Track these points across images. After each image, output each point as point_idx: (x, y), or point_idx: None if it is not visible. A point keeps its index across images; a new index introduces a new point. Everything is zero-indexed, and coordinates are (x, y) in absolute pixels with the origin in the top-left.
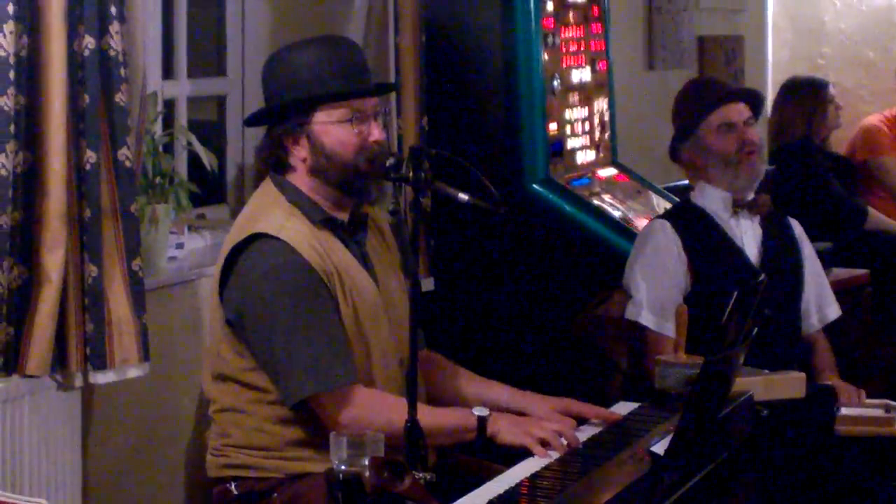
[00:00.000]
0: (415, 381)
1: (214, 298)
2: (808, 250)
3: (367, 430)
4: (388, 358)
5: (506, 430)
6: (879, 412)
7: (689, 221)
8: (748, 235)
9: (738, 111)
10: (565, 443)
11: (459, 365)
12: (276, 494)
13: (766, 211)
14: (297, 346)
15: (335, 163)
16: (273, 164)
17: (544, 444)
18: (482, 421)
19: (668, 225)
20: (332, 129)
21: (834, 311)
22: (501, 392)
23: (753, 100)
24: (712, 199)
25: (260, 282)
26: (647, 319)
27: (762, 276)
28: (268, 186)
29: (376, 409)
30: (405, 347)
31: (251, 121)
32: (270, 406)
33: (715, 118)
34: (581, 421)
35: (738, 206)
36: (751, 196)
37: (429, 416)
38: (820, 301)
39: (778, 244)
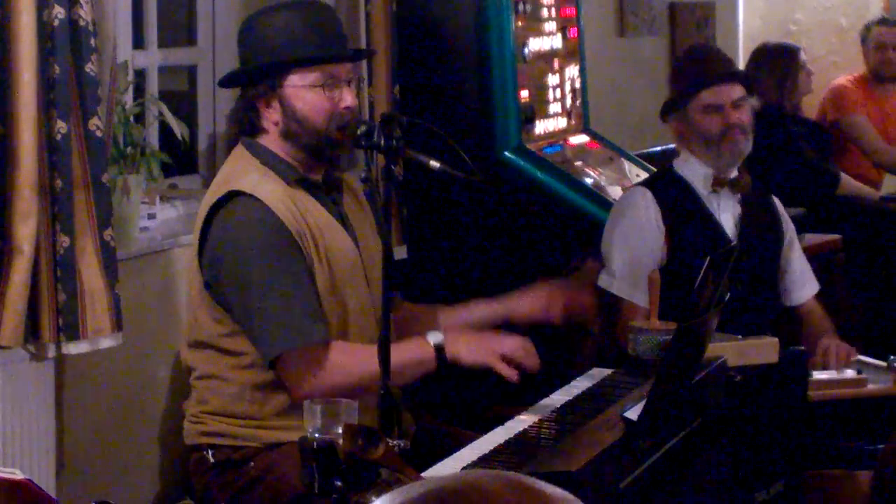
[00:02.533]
0: (388, 346)
1: (193, 263)
2: (790, 230)
3: (336, 385)
4: (366, 316)
5: (466, 351)
6: (851, 373)
7: (670, 191)
8: (726, 211)
9: (728, 92)
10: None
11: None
12: (252, 463)
13: (747, 190)
14: (272, 302)
15: (306, 127)
16: (245, 126)
17: (506, 360)
18: (439, 348)
19: (648, 194)
20: (305, 93)
21: (815, 287)
22: (479, 309)
23: (747, 80)
24: (694, 172)
25: (234, 239)
26: (620, 289)
27: (734, 243)
28: (240, 150)
29: (344, 361)
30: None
31: (225, 82)
32: (248, 371)
33: (704, 97)
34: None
35: (717, 185)
36: (733, 174)
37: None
38: (804, 278)
39: (757, 220)
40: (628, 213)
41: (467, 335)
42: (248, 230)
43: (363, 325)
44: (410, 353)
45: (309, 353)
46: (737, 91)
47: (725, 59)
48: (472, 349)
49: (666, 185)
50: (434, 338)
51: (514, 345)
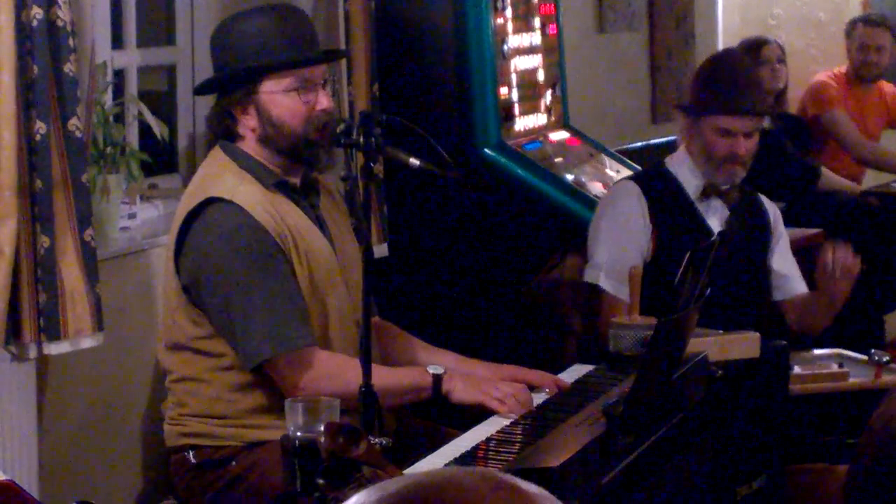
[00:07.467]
0: (369, 346)
1: (169, 266)
2: (781, 232)
3: (324, 393)
4: (345, 320)
5: (461, 389)
6: (832, 366)
7: (659, 188)
8: (714, 212)
9: (744, 123)
10: (521, 405)
11: (408, 332)
12: (234, 462)
13: (735, 201)
14: (254, 308)
15: (283, 132)
16: (222, 132)
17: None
18: (437, 379)
19: (638, 189)
20: (280, 98)
21: (804, 289)
22: (447, 359)
23: (772, 116)
24: (686, 175)
25: (215, 246)
26: (605, 283)
27: (714, 237)
28: (217, 153)
29: (333, 371)
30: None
31: (200, 90)
32: (227, 373)
33: (722, 120)
34: (531, 388)
35: (706, 195)
36: (724, 187)
37: (384, 376)
38: (794, 275)
39: (743, 218)
40: (615, 207)
41: (467, 376)
42: (227, 237)
43: (343, 328)
44: (409, 378)
45: (290, 359)
46: (754, 122)
47: (756, 89)
48: (467, 389)
49: (656, 181)
50: (435, 369)
51: (509, 390)
